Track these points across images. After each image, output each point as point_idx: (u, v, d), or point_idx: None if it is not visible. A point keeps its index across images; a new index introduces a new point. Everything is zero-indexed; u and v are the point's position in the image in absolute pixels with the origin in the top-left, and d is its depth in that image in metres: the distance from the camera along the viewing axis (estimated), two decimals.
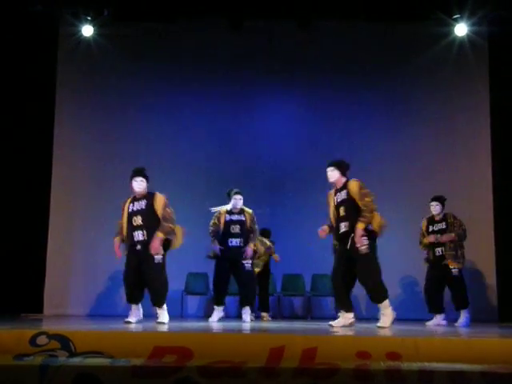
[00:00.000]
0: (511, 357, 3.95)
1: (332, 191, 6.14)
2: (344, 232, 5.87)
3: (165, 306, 6.23)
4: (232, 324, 6.54)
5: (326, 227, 6.11)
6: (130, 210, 6.20)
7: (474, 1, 8.36)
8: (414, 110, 9.17)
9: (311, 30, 9.06)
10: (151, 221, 6.11)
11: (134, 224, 6.14)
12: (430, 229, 7.28)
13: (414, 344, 4.06)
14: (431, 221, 7.32)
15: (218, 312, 7.12)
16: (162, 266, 6.14)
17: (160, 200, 6.17)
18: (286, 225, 8.51)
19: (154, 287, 6.16)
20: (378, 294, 5.76)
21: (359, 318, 7.88)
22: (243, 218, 7.22)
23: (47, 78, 9.02)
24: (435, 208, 7.27)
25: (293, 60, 9.26)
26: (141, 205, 6.18)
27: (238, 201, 7.22)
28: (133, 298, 6.27)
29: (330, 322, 5.96)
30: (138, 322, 6.19)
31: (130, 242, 6.19)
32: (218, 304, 7.14)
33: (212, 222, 7.26)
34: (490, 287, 8.67)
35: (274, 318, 8.19)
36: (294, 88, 9.22)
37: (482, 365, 3.86)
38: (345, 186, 5.98)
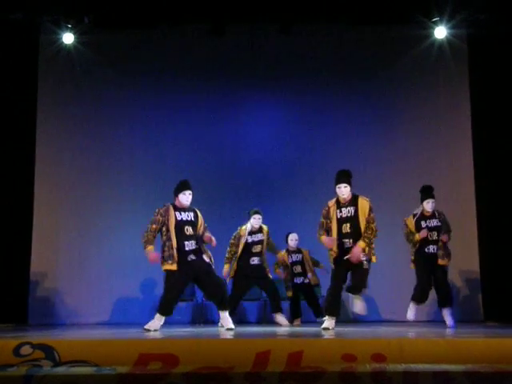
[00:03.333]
0: (494, 356, 4.00)
1: (333, 204, 6.13)
2: (349, 248, 5.98)
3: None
4: (217, 329, 6.53)
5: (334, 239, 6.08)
6: (178, 219, 6.15)
7: (453, 4, 8.44)
8: (394, 113, 9.22)
9: (293, 34, 9.10)
10: (198, 232, 6.24)
11: (187, 233, 6.13)
12: (423, 225, 7.11)
13: (399, 345, 4.09)
14: (422, 217, 7.16)
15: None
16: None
17: (201, 216, 6.35)
18: (275, 229, 8.51)
19: (220, 291, 6.19)
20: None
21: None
22: (263, 238, 7.59)
23: (28, 85, 8.95)
24: (431, 205, 7.12)
25: (276, 64, 9.28)
26: (189, 216, 6.22)
27: (257, 220, 7.59)
28: (172, 310, 6.18)
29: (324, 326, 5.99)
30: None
31: (180, 251, 6.06)
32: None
33: (231, 242, 7.61)
34: (474, 286, 8.72)
35: (259, 322, 8.20)
36: (278, 92, 9.24)
37: (465, 365, 3.90)
38: (353, 203, 6.02)
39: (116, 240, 8.85)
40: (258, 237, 7.59)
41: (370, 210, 5.98)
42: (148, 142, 9.17)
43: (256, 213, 7.61)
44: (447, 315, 7.00)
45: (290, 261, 8.01)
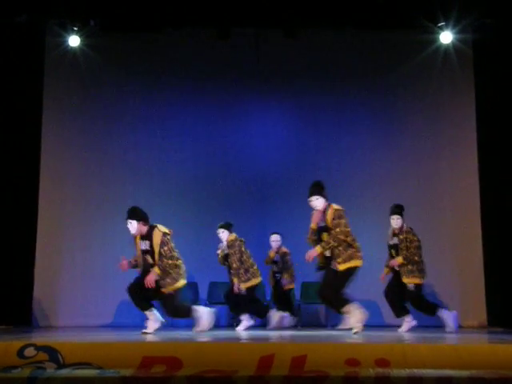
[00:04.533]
0: (498, 362, 3.98)
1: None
2: (328, 257, 6.07)
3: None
4: (221, 333, 6.53)
5: None
6: (141, 248, 6.27)
7: (458, 9, 8.43)
8: (399, 117, 9.22)
9: (298, 39, 9.11)
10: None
11: (148, 262, 6.23)
12: (390, 241, 7.15)
13: (403, 350, 4.08)
14: (393, 232, 7.15)
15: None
16: (173, 297, 6.27)
17: (157, 238, 6.16)
18: (278, 231, 8.47)
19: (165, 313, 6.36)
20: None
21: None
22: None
23: (34, 87, 8.97)
24: (396, 222, 7.03)
25: (280, 68, 9.29)
26: (146, 245, 6.25)
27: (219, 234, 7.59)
28: (145, 303, 6.33)
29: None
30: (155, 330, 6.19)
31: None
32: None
33: None
34: (479, 291, 8.68)
35: (263, 326, 8.19)
36: (282, 96, 9.24)
37: (469, 370, 3.89)
38: (325, 212, 6.09)
39: (120, 242, 8.84)
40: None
41: (335, 217, 5.97)
42: (151, 145, 9.17)
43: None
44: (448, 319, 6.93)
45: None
